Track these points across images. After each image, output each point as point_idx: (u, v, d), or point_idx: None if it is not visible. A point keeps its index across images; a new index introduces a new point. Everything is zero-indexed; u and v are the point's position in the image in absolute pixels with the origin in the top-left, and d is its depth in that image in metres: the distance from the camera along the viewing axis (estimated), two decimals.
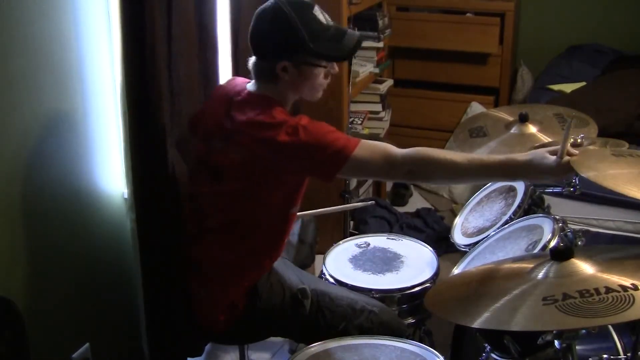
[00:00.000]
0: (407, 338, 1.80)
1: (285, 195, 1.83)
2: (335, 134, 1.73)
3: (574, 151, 1.64)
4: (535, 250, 1.74)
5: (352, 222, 3.37)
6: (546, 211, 2.04)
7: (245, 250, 1.86)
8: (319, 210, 2.39)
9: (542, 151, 1.69)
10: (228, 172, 1.82)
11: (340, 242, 2.25)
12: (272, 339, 2.16)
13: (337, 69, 1.87)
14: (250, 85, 1.86)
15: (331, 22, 1.81)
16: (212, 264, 1.91)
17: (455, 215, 2.33)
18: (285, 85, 1.81)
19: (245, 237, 1.85)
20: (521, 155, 1.69)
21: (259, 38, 1.80)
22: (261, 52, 1.81)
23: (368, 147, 1.72)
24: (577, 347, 1.33)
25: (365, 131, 3.39)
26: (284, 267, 1.98)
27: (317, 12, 1.78)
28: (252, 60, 1.84)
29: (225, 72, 2.38)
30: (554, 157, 1.64)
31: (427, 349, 1.60)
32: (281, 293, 1.88)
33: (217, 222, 1.88)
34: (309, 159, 1.72)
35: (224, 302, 1.88)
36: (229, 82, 2.00)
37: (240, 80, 1.95)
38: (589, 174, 1.48)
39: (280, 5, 1.74)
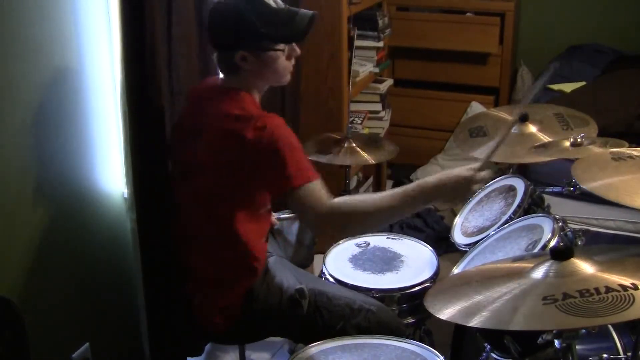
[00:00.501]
0: (407, 338, 1.80)
1: (252, 195, 1.83)
2: (300, 153, 1.75)
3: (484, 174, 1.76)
4: (535, 250, 1.74)
5: None
6: (546, 211, 2.04)
7: (227, 254, 1.86)
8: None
9: (453, 170, 1.77)
10: (198, 170, 1.84)
11: (340, 241, 2.25)
12: (272, 338, 2.16)
13: (298, 50, 1.88)
14: (219, 80, 1.89)
15: (282, 5, 1.82)
16: (202, 268, 1.92)
17: (455, 215, 2.33)
18: (248, 75, 1.82)
19: (223, 240, 1.86)
20: (432, 177, 1.76)
21: (215, 32, 1.83)
22: (219, 45, 1.84)
23: (319, 189, 1.74)
24: (577, 347, 1.33)
25: (365, 131, 3.39)
26: (282, 266, 1.98)
27: None
28: (215, 54, 1.87)
29: None
30: (469, 173, 1.74)
31: (427, 349, 1.60)
32: (278, 293, 1.88)
33: (196, 225, 1.91)
34: (265, 167, 1.74)
35: (220, 304, 1.89)
36: (202, 82, 2.01)
37: (213, 78, 1.96)
38: (591, 185, 1.49)
39: None
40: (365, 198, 1.79)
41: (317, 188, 1.74)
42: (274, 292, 1.89)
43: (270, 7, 1.79)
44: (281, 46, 1.82)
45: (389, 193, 1.74)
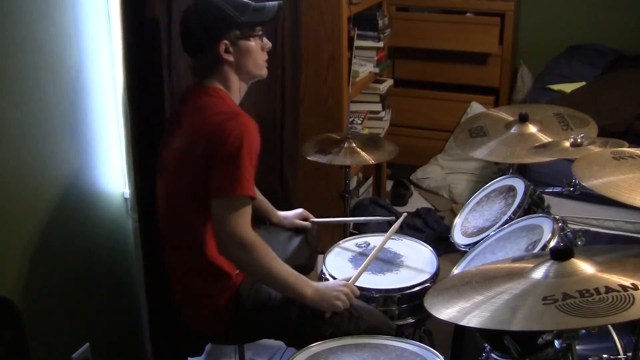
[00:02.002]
0: (407, 338, 1.80)
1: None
2: (252, 166, 1.76)
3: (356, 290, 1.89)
4: (535, 250, 1.74)
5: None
6: (546, 211, 2.04)
7: (195, 259, 1.86)
8: (335, 219, 2.48)
9: (330, 281, 1.95)
10: (169, 166, 1.86)
11: (340, 242, 2.25)
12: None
13: (270, 44, 1.94)
14: (199, 81, 1.90)
15: None
16: (180, 274, 1.93)
17: (455, 215, 2.33)
18: (229, 69, 1.86)
19: (190, 244, 1.85)
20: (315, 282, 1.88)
21: (193, 34, 1.85)
22: (199, 47, 1.86)
23: (249, 210, 1.76)
24: (577, 347, 1.33)
25: (365, 131, 3.39)
26: None
27: None
28: (190, 61, 1.89)
29: None
30: (341, 281, 1.89)
31: (427, 349, 1.60)
32: (267, 296, 1.89)
33: (167, 228, 1.91)
34: (219, 163, 1.74)
35: (208, 310, 1.89)
36: (190, 85, 2.02)
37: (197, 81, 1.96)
38: (591, 182, 1.49)
39: None
40: (277, 258, 1.81)
41: (247, 205, 1.76)
42: (263, 295, 1.89)
43: None
44: (258, 32, 1.88)
45: (293, 270, 1.83)
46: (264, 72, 1.95)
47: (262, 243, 1.78)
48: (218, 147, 1.74)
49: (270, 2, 1.92)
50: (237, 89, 1.91)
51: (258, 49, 1.90)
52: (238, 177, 1.72)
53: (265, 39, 1.93)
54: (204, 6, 1.83)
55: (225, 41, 1.83)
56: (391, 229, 2.14)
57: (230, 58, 1.85)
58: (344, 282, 1.90)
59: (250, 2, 1.88)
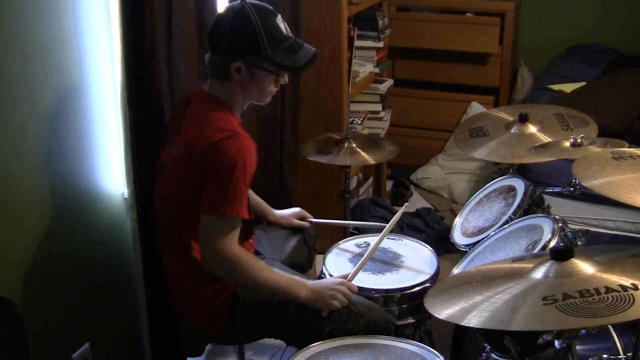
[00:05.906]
0: (407, 338, 1.80)
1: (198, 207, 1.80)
2: (246, 187, 1.75)
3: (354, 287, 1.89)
4: (535, 250, 1.74)
5: None
6: (546, 211, 2.04)
7: (194, 260, 1.85)
8: (333, 221, 2.46)
9: (327, 279, 1.92)
10: (166, 170, 1.85)
11: (340, 242, 2.25)
12: (272, 340, 2.16)
13: (287, 79, 1.90)
14: (206, 85, 1.89)
15: (291, 34, 1.84)
16: (178, 275, 1.93)
17: (455, 215, 2.33)
18: (236, 85, 1.83)
19: (186, 247, 1.85)
20: (310, 281, 1.88)
21: (218, 34, 1.81)
22: (217, 48, 1.82)
23: (236, 229, 1.74)
24: (577, 347, 1.33)
25: (365, 131, 3.39)
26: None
27: (279, 21, 1.82)
28: (208, 55, 1.87)
29: None
30: (338, 279, 1.88)
31: (427, 349, 1.60)
32: (265, 295, 1.89)
33: (161, 229, 1.91)
34: (211, 178, 1.73)
35: (206, 308, 1.90)
36: (197, 85, 2.01)
37: (201, 83, 1.95)
38: (591, 182, 1.49)
39: (245, 7, 1.78)
40: (264, 267, 1.80)
41: (236, 226, 1.75)
42: (261, 295, 1.89)
43: (281, 32, 1.81)
44: (276, 70, 1.84)
45: (283, 274, 1.82)
46: (265, 100, 1.91)
47: (246, 257, 1.77)
48: (213, 163, 1.72)
49: (308, 48, 1.85)
50: (240, 104, 1.88)
51: (270, 81, 1.85)
52: (230, 197, 1.71)
53: (286, 76, 1.88)
54: (240, 21, 1.77)
55: (240, 63, 1.78)
56: (391, 220, 2.13)
57: (238, 78, 1.81)
58: (341, 279, 1.90)
59: (289, 37, 1.82)
